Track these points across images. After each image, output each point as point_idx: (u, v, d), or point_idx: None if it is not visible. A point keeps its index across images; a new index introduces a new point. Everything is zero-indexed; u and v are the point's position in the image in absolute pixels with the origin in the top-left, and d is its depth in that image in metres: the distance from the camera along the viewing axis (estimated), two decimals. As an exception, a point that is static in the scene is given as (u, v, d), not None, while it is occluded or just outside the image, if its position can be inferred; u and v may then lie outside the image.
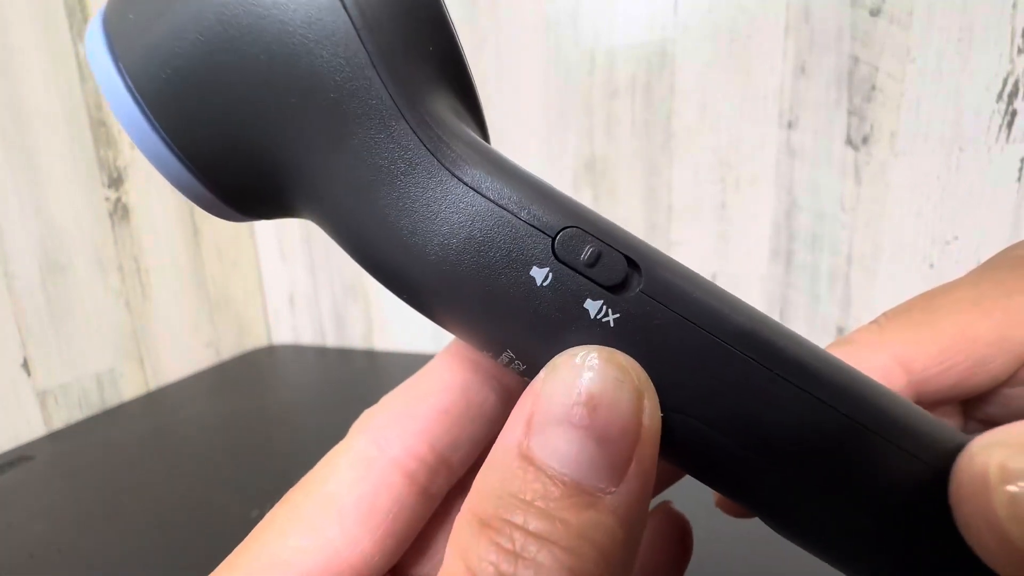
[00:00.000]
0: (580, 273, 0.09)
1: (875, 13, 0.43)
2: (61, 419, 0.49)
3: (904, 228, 0.46)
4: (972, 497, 0.08)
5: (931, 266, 0.46)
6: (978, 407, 0.13)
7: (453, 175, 0.09)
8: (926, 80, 0.43)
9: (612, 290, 0.09)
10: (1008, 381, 0.12)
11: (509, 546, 0.08)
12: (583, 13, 0.51)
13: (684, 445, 0.09)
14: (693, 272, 0.10)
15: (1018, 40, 0.40)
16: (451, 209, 0.09)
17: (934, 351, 0.11)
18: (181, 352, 0.60)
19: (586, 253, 0.09)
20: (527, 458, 0.08)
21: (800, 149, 0.48)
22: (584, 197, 0.55)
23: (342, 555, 0.10)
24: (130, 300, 0.54)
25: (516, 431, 0.09)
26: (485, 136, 0.11)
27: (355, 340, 0.68)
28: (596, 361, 0.08)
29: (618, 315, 0.09)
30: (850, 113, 0.46)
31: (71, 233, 0.49)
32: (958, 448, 0.09)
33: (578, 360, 0.08)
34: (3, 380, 0.45)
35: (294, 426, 0.48)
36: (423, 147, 0.09)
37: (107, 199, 0.52)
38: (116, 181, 0.53)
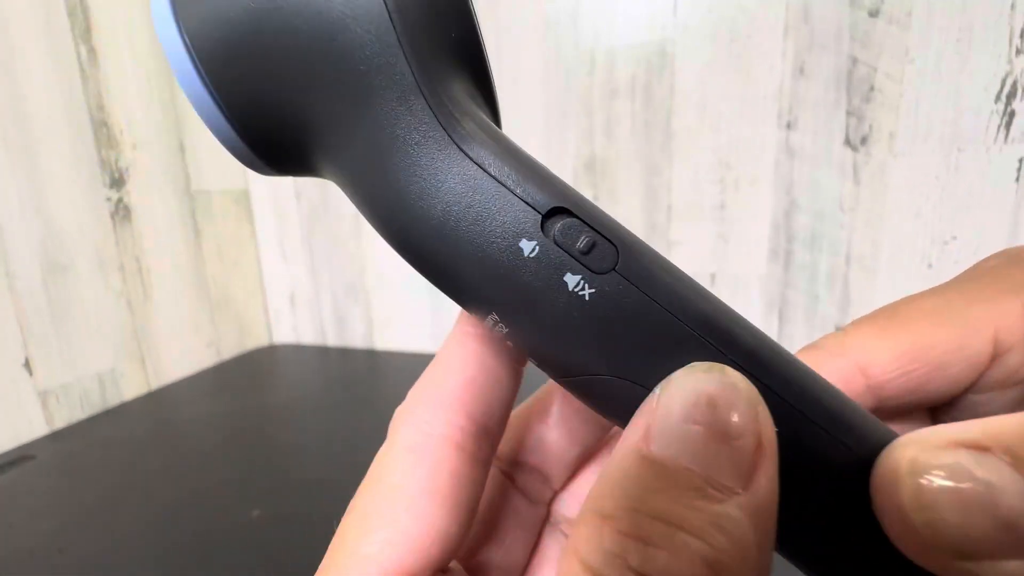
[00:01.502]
0: (563, 249, 0.10)
1: (874, 14, 0.43)
2: (62, 419, 0.49)
3: (903, 228, 0.46)
4: (885, 487, 0.09)
5: (930, 266, 0.46)
6: (947, 413, 0.13)
7: (460, 149, 0.10)
8: (925, 81, 0.43)
9: (591, 269, 0.10)
10: (973, 388, 0.12)
11: (637, 533, 0.08)
12: (583, 13, 0.51)
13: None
14: (665, 260, 0.10)
15: (1016, 41, 0.40)
16: (456, 179, 0.10)
17: (892, 357, 0.12)
18: (182, 352, 0.61)
19: (583, 241, 0.10)
20: (649, 458, 0.08)
21: (799, 149, 0.48)
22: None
23: (421, 537, 0.11)
24: (131, 300, 0.55)
25: (634, 438, 0.09)
26: (497, 120, 0.12)
27: (356, 340, 0.68)
28: (712, 372, 0.09)
29: (593, 290, 0.10)
30: (849, 114, 0.46)
31: (72, 233, 0.49)
32: (887, 443, 0.10)
33: (694, 370, 0.09)
34: (4, 380, 0.45)
35: (295, 426, 0.48)
36: (437, 122, 0.10)
37: (108, 199, 0.52)
38: (117, 182, 0.53)
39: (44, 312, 0.47)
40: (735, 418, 0.08)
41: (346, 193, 0.11)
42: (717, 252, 0.52)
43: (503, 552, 0.13)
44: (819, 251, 0.49)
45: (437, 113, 0.10)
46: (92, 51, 0.50)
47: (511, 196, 0.10)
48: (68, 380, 0.50)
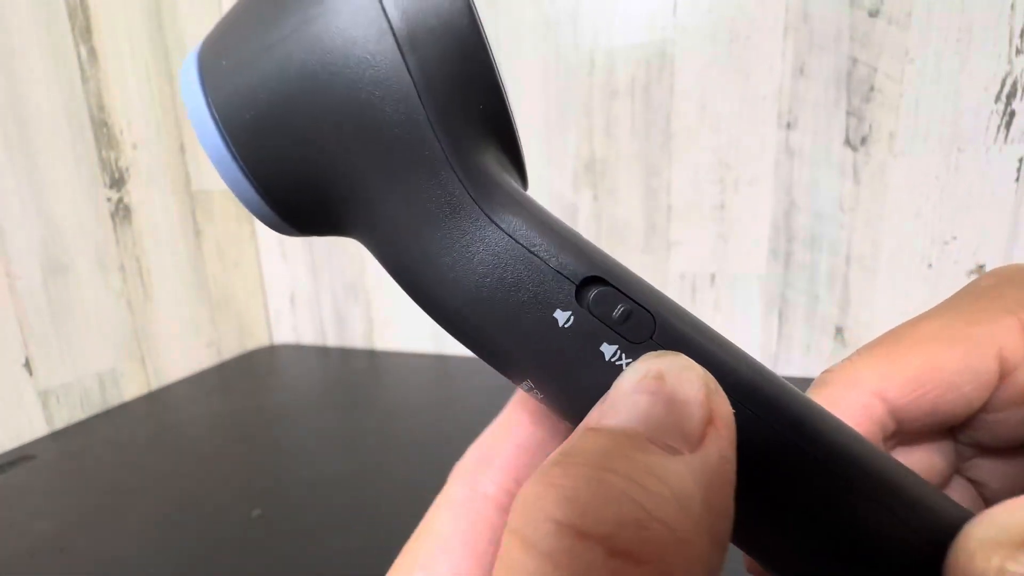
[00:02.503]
0: (599, 319, 0.10)
1: (874, 14, 0.43)
2: (63, 419, 0.49)
3: (903, 228, 0.46)
4: None
5: (929, 266, 0.46)
6: (965, 432, 0.13)
7: (492, 221, 0.10)
8: (925, 81, 0.43)
9: (628, 339, 0.10)
10: (985, 407, 0.12)
11: (563, 482, 0.08)
12: (583, 14, 0.51)
13: None
14: (702, 323, 0.10)
15: (1016, 41, 0.41)
16: (487, 251, 0.10)
17: (904, 380, 0.12)
18: (182, 352, 0.61)
19: (606, 301, 0.10)
20: (598, 429, 0.08)
21: (799, 149, 0.48)
22: (584, 197, 0.55)
23: None
24: (132, 300, 0.55)
25: (587, 417, 0.09)
26: (525, 183, 0.12)
27: (356, 340, 0.68)
28: (666, 354, 0.09)
29: (631, 360, 0.09)
30: (849, 114, 0.46)
31: (73, 234, 0.49)
32: (956, 525, 0.09)
33: (648, 354, 0.09)
34: (5, 380, 0.45)
35: (295, 426, 0.48)
36: (467, 194, 0.10)
37: (109, 200, 0.52)
38: (118, 182, 0.53)
39: (44, 312, 0.47)
40: (683, 387, 0.08)
41: (375, 256, 0.11)
42: (717, 252, 0.52)
43: None
44: (819, 251, 0.49)
45: (467, 186, 0.10)
46: (92, 51, 0.50)
47: (544, 266, 0.10)
48: (68, 380, 0.50)
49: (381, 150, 0.10)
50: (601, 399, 0.09)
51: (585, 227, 0.55)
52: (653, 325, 0.10)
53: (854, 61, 0.45)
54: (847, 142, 0.46)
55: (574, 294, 0.10)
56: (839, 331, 0.50)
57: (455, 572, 0.11)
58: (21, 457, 0.44)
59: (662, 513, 0.07)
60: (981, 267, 0.45)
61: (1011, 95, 0.41)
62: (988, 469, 0.13)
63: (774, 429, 0.09)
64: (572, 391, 0.10)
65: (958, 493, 0.14)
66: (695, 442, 0.08)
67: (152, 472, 0.41)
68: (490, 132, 0.11)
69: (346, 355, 0.66)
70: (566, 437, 0.13)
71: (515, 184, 0.11)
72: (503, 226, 0.10)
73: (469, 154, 0.10)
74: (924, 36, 0.42)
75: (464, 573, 0.11)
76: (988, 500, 0.13)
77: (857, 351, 0.13)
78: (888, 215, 0.46)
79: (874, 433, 0.12)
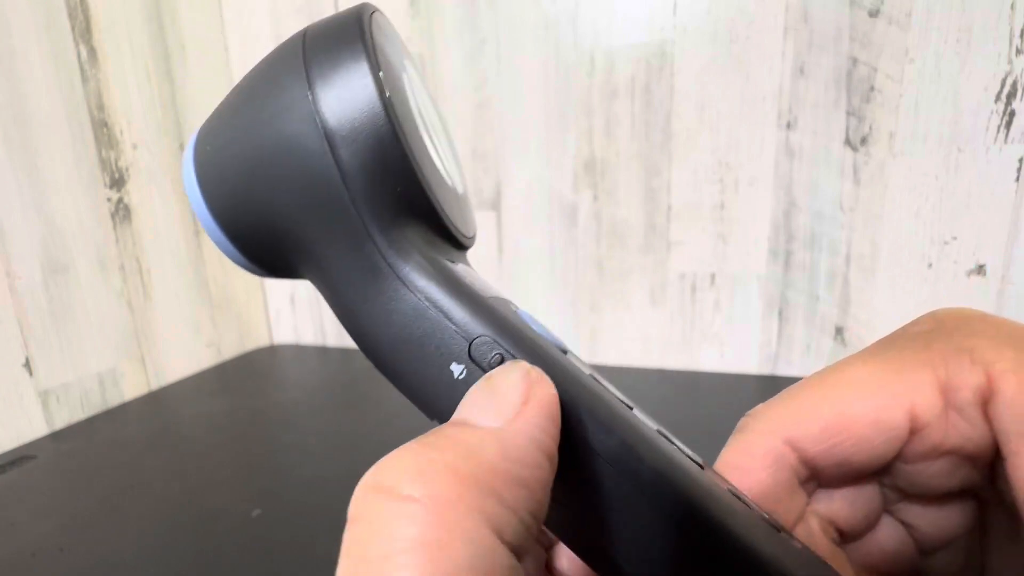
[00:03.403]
0: (485, 372, 0.11)
1: (874, 14, 0.43)
2: (63, 419, 0.49)
3: (903, 228, 0.46)
4: None
5: (929, 266, 0.46)
6: (887, 478, 0.13)
7: (404, 284, 0.12)
8: (924, 81, 0.43)
9: None
10: (899, 458, 0.12)
11: (390, 461, 0.09)
12: (583, 14, 0.51)
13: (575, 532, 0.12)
14: (586, 377, 0.11)
15: (1016, 41, 0.41)
16: (400, 311, 0.12)
17: (816, 431, 0.12)
18: (183, 352, 0.61)
19: (492, 357, 0.11)
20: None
21: (799, 150, 0.48)
22: (584, 198, 0.55)
23: None
24: (132, 300, 0.55)
25: None
26: (462, 243, 0.14)
27: (355, 340, 0.68)
28: (504, 365, 0.11)
29: None
30: (849, 114, 0.46)
31: (73, 233, 0.49)
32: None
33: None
34: (5, 380, 0.45)
35: (295, 426, 0.48)
36: (385, 262, 0.12)
37: (109, 200, 0.52)
38: (118, 182, 0.53)
39: (44, 312, 0.47)
40: (502, 380, 0.10)
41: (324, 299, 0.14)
42: (717, 252, 0.52)
43: None
44: (819, 251, 0.49)
45: (385, 256, 0.12)
46: (92, 51, 0.50)
47: (446, 324, 0.11)
48: (68, 380, 0.50)
49: (316, 222, 0.12)
50: None
51: (585, 227, 0.55)
52: None
53: (854, 61, 0.45)
54: (847, 142, 0.46)
55: (467, 351, 0.11)
56: (839, 331, 0.50)
57: None
58: (21, 457, 0.44)
59: (448, 457, 0.09)
60: (981, 267, 0.45)
61: (1011, 95, 0.42)
62: (917, 513, 0.13)
63: (632, 493, 0.11)
64: None
65: (889, 532, 0.13)
66: (508, 419, 0.09)
67: (152, 472, 0.41)
68: (410, 210, 0.12)
69: (346, 355, 0.66)
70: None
71: (434, 252, 0.13)
72: (413, 289, 0.12)
73: (389, 228, 0.12)
74: (924, 36, 0.42)
75: None
76: (919, 541, 0.13)
77: (780, 394, 0.13)
78: (888, 215, 0.46)
79: (789, 479, 0.13)
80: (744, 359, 0.54)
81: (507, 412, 0.10)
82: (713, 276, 0.53)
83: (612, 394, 0.12)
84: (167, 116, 0.58)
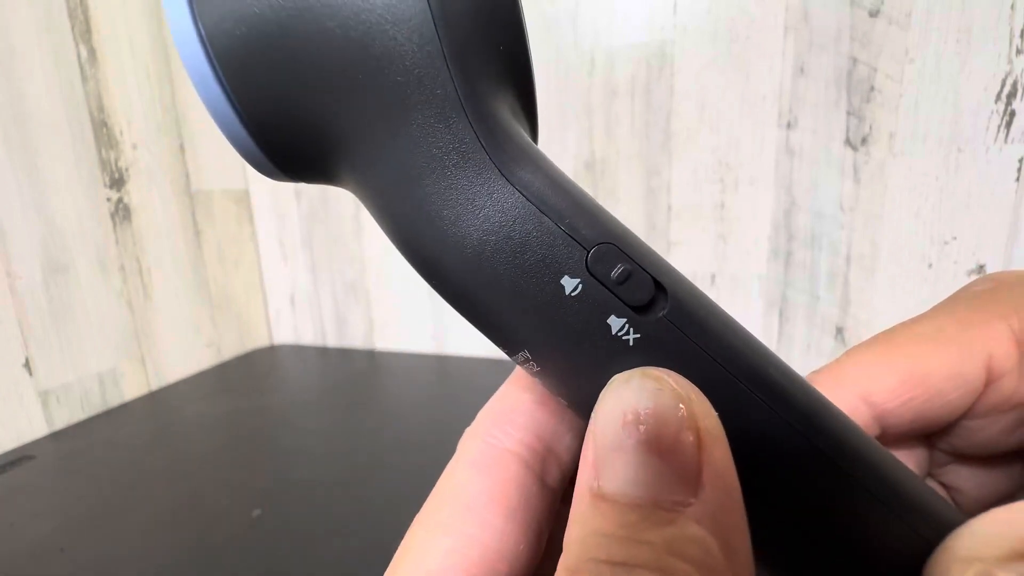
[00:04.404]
0: (609, 289, 0.09)
1: (874, 14, 0.43)
2: (63, 419, 0.49)
3: (903, 228, 0.46)
4: None
5: (929, 266, 0.46)
6: (942, 439, 0.13)
7: (502, 174, 0.09)
8: (925, 81, 0.43)
9: (637, 310, 0.09)
10: (967, 414, 0.12)
11: None
12: (583, 14, 0.51)
13: None
14: (716, 305, 0.10)
15: (1016, 41, 0.41)
16: (495, 207, 0.09)
17: (892, 385, 0.12)
18: (183, 352, 0.61)
19: (617, 271, 0.09)
20: (599, 496, 0.08)
21: (799, 149, 0.48)
22: (584, 197, 0.55)
23: (487, 547, 0.10)
24: (132, 300, 0.55)
25: (585, 475, 0.09)
26: (535, 139, 0.11)
27: (356, 340, 0.68)
28: (632, 380, 0.08)
29: (639, 335, 0.09)
30: (849, 113, 0.46)
31: (73, 234, 0.49)
32: (951, 526, 0.09)
33: (615, 385, 0.09)
34: (5, 380, 0.45)
35: (295, 426, 0.48)
36: (478, 143, 0.09)
37: (109, 200, 0.52)
38: (118, 182, 0.53)
39: (44, 312, 0.47)
40: (665, 427, 0.08)
41: (368, 208, 0.10)
42: (717, 252, 0.52)
43: None
44: (819, 251, 0.49)
45: (478, 132, 0.09)
46: (92, 51, 0.50)
47: (554, 228, 0.09)
48: (68, 380, 0.50)
49: (388, 84, 0.09)
50: (586, 438, 0.09)
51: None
52: (666, 301, 0.09)
53: (854, 61, 0.45)
54: (847, 142, 0.46)
55: (584, 261, 0.09)
56: (839, 331, 0.50)
57: (488, 533, 0.11)
58: (21, 457, 0.44)
59: None
60: (981, 267, 0.45)
61: (1011, 95, 0.41)
62: (964, 476, 0.13)
63: (782, 419, 0.09)
64: (573, 365, 0.09)
65: None
66: (695, 482, 0.08)
67: (152, 472, 0.41)
68: (507, 78, 0.10)
69: (346, 355, 0.66)
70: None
71: (528, 138, 0.10)
72: (513, 181, 0.09)
73: (484, 99, 0.09)
74: (924, 36, 0.42)
75: (499, 534, 0.11)
76: (961, 506, 0.13)
77: (847, 351, 0.13)
78: (888, 215, 0.46)
79: None
80: (744, 359, 0.54)
81: (692, 473, 0.08)
82: (713, 276, 0.53)
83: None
84: (167, 116, 0.58)
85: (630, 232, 0.10)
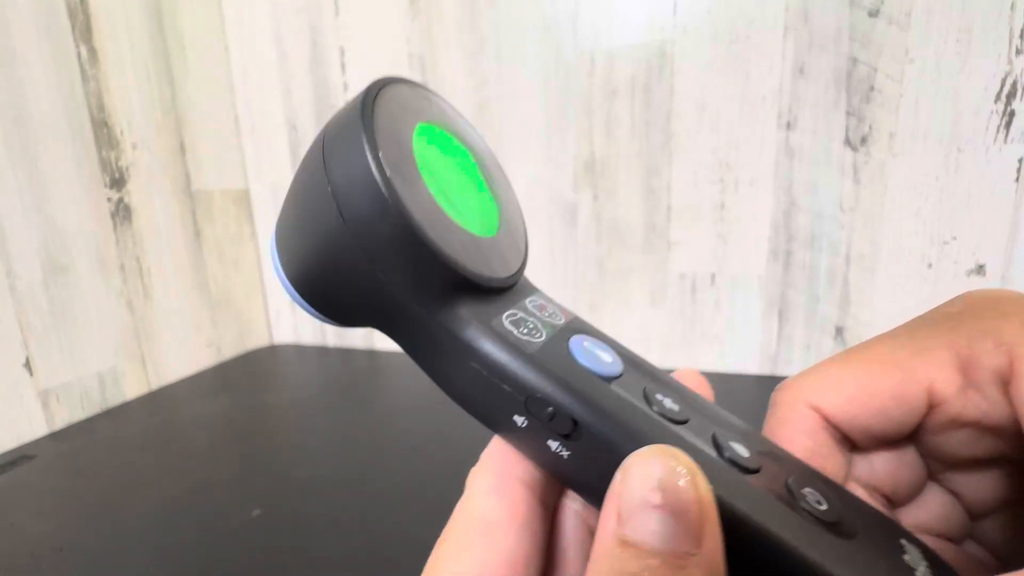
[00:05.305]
0: (543, 424, 0.13)
1: (874, 14, 0.43)
2: (63, 418, 0.49)
3: (902, 228, 0.46)
4: None
5: (929, 266, 0.46)
6: (923, 447, 0.14)
7: (458, 351, 0.13)
8: (924, 81, 0.43)
9: (565, 437, 0.12)
10: (924, 428, 0.13)
11: None
12: (582, 14, 0.51)
13: None
14: (629, 417, 0.13)
15: (1016, 41, 0.41)
16: (460, 374, 0.13)
17: (839, 402, 0.13)
18: (183, 352, 0.61)
19: (546, 412, 0.12)
20: (625, 542, 0.10)
21: (799, 149, 0.48)
22: (584, 197, 0.55)
23: (512, 555, 0.13)
24: (132, 300, 0.55)
25: (610, 524, 0.11)
26: (504, 284, 0.15)
27: (356, 340, 0.68)
28: (656, 457, 0.11)
29: (568, 452, 0.13)
30: (849, 114, 0.46)
31: (73, 234, 0.49)
32: None
33: (644, 457, 0.11)
34: (5, 379, 0.45)
35: (295, 426, 0.48)
36: (440, 331, 0.13)
37: (109, 200, 0.52)
38: (118, 182, 0.53)
39: (45, 312, 0.47)
40: (682, 495, 0.10)
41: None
42: (717, 252, 0.52)
43: None
44: (819, 251, 0.49)
45: (433, 325, 0.13)
46: (92, 51, 0.50)
47: (501, 387, 0.13)
48: (69, 380, 0.50)
49: (369, 303, 0.14)
50: (610, 493, 0.11)
51: (585, 227, 0.55)
52: (575, 426, 0.12)
53: (854, 61, 0.45)
54: (847, 142, 0.46)
55: (524, 404, 0.13)
56: (839, 331, 0.50)
57: (506, 542, 0.13)
58: (21, 457, 0.44)
59: None
60: (981, 267, 0.45)
61: (1011, 95, 0.42)
62: (960, 481, 0.14)
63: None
64: (541, 465, 0.14)
65: (937, 499, 0.14)
66: (699, 538, 0.10)
67: (152, 472, 0.41)
68: (443, 282, 0.13)
69: (346, 355, 0.66)
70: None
71: (481, 308, 0.14)
72: (467, 355, 0.13)
73: (432, 300, 0.13)
74: (924, 36, 0.42)
75: (520, 547, 0.13)
76: (967, 507, 0.14)
77: (814, 365, 0.14)
78: (888, 215, 0.47)
79: (828, 440, 0.14)
80: (744, 359, 0.54)
81: (697, 533, 0.10)
82: (713, 276, 0.53)
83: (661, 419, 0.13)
84: (167, 116, 0.58)
85: (564, 377, 0.13)
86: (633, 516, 0.10)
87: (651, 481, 0.10)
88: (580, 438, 0.12)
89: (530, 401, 0.13)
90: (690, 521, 0.10)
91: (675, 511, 0.10)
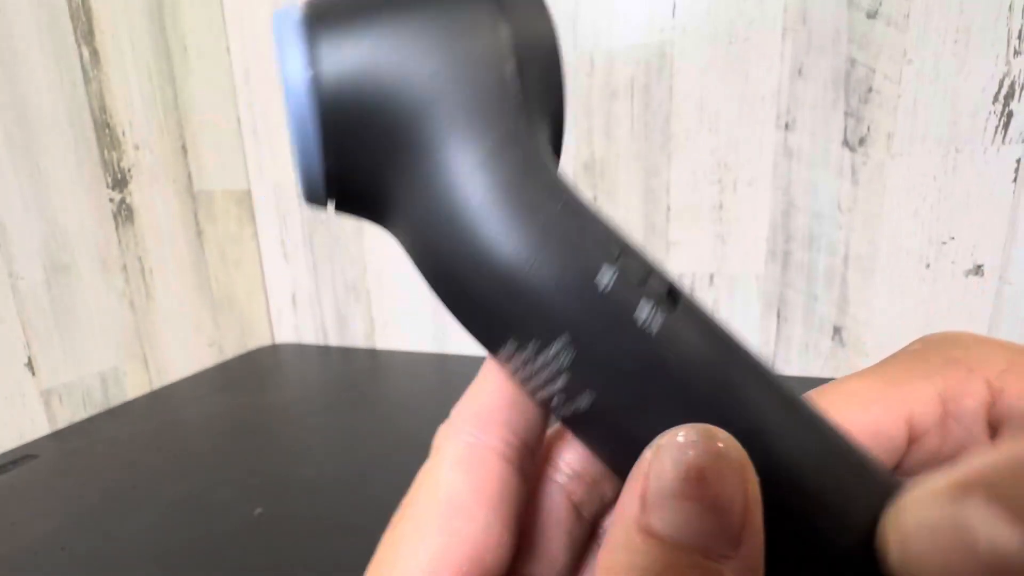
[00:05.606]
0: (635, 286, 0.10)
1: (872, 15, 0.43)
2: (65, 418, 0.50)
3: (901, 229, 0.46)
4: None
5: (927, 266, 0.46)
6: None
7: (554, 183, 0.11)
8: (923, 82, 0.43)
9: (657, 303, 0.10)
10: (900, 469, 0.13)
11: None
12: (582, 15, 0.51)
13: None
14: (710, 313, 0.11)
15: (1014, 42, 0.41)
16: (551, 205, 0.11)
17: None
18: (184, 351, 0.61)
19: (640, 270, 0.11)
20: (649, 532, 0.09)
21: (797, 150, 0.48)
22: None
23: (477, 543, 0.11)
24: (134, 300, 0.55)
25: (632, 508, 0.09)
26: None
27: (357, 339, 0.68)
28: (697, 438, 0.09)
29: (659, 325, 0.10)
30: (847, 114, 0.46)
31: (75, 234, 0.49)
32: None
33: (681, 439, 0.09)
34: (8, 379, 0.45)
35: (297, 425, 0.49)
36: (538, 159, 0.12)
37: (111, 200, 0.52)
38: (120, 182, 0.53)
39: (47, 312, 0.47)
40: (725, 489, 0.09)
41: (406, 235, 0.12)
42: (716, 252, 0.52)
43: (548, 567, 0.13)
44: (817, 251, 0.49)
45: (540, 154, 0.11)
46: (94, 52, 0.50)
47: (600, 223, 0.11)
48: (71, 379, 0.50)
49: (466, 113, 0.11)
50: (635, 473, 0.09)
51: (585, 227, 0.56)
52: (678, 300, 0.10)
53: (852, 62, 0.45)
54: (845, 143, 0.46)
55: (616, 258, 0.10)
56: (837, 331, 0.50)
57: (477, 529, 0.11)
58: (24, 456, 0.44)
59: None
60: (979, 267, 0.45)
61: (1009, 96, 0.42)
62: None
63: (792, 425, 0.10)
64: (603, 356, 0.10)
65: None
66: (737, 541, 0.09)
67: (154, 471, 0.41)
68: (554, 125, 0.13)
69: (347, 354, 0.66)
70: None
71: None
72: (565, 187, 0.11)
73: (537, 135, 0.12)
74: (922, 37, 0.43)
75: (488, 529, 0.11)
76: None
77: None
78: (886, 215, 0.47)
79: None
80: (743, 359, 0.54)
81: (736, 535, 0.09)
82: (712, 276, 0.53)
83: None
84: (169, 117, 0.58)
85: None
86: (662, 503, 0.09)
87: (689, 468, 0.09)
88: (676, 307, 0.10)
89: (625, 252, 0.11)
90: (731, 520, 0.08)
91: (714, 505, 0.08)
